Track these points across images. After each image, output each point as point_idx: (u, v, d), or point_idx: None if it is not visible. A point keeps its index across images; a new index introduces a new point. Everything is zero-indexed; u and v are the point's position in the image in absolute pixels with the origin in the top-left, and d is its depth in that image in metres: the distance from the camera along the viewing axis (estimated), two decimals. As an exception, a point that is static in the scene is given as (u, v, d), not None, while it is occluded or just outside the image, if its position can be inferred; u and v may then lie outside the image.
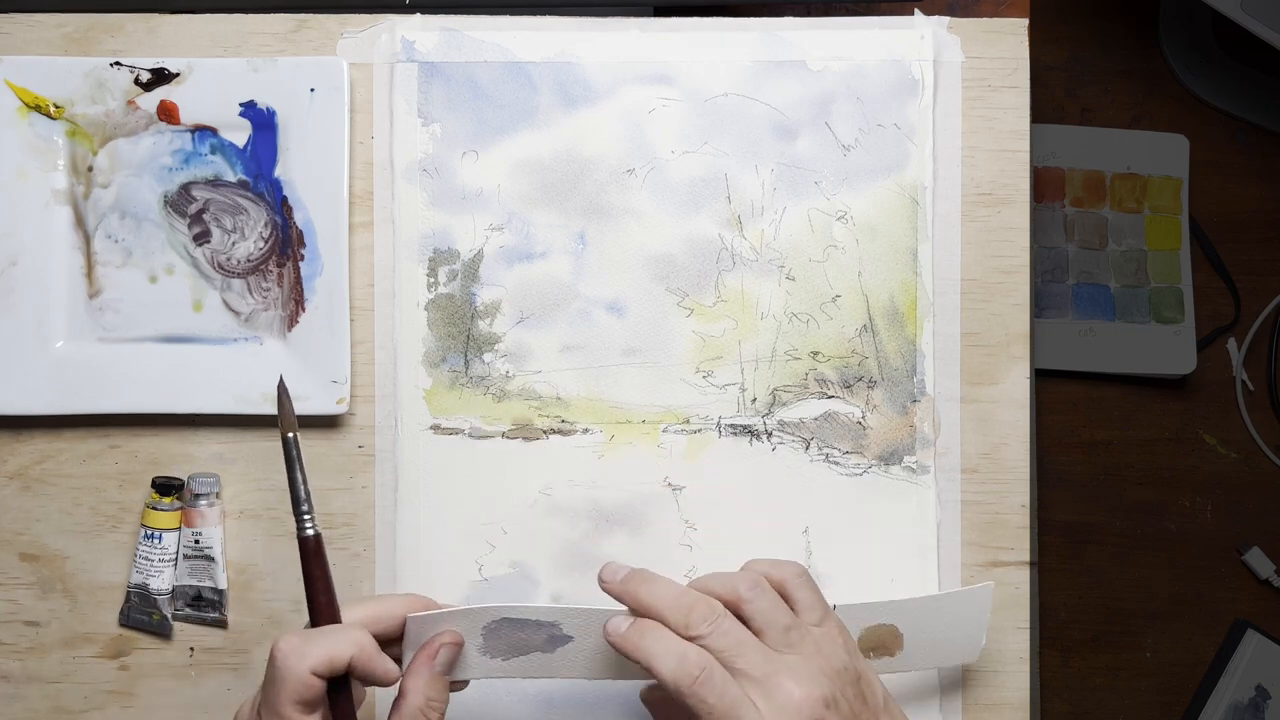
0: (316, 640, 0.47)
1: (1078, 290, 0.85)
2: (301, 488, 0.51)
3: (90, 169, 0.61)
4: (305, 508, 0.51)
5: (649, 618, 0.50)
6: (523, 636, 0.52)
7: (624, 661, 0.51)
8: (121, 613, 0.61)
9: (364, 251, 0.61)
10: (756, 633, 0.49)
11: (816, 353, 0.61)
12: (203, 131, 0.60)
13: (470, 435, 0.61)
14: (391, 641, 0.51)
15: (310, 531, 0.51)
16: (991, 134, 0.62)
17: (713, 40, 0.61)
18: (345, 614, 0.50)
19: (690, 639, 0.48)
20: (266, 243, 0.61)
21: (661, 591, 0.50)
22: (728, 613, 0.49)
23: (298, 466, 0.51)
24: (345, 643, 0.48)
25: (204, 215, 0.61)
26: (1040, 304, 0.85)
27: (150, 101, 0.60)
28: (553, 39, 0.61)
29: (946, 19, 0.62)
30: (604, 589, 0.52)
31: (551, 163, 0.61)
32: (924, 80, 0.61)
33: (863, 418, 0.61)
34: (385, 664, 0.49)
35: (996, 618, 0.60)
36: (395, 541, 0.61)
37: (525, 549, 0.61)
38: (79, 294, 0.61)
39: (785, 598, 0.51)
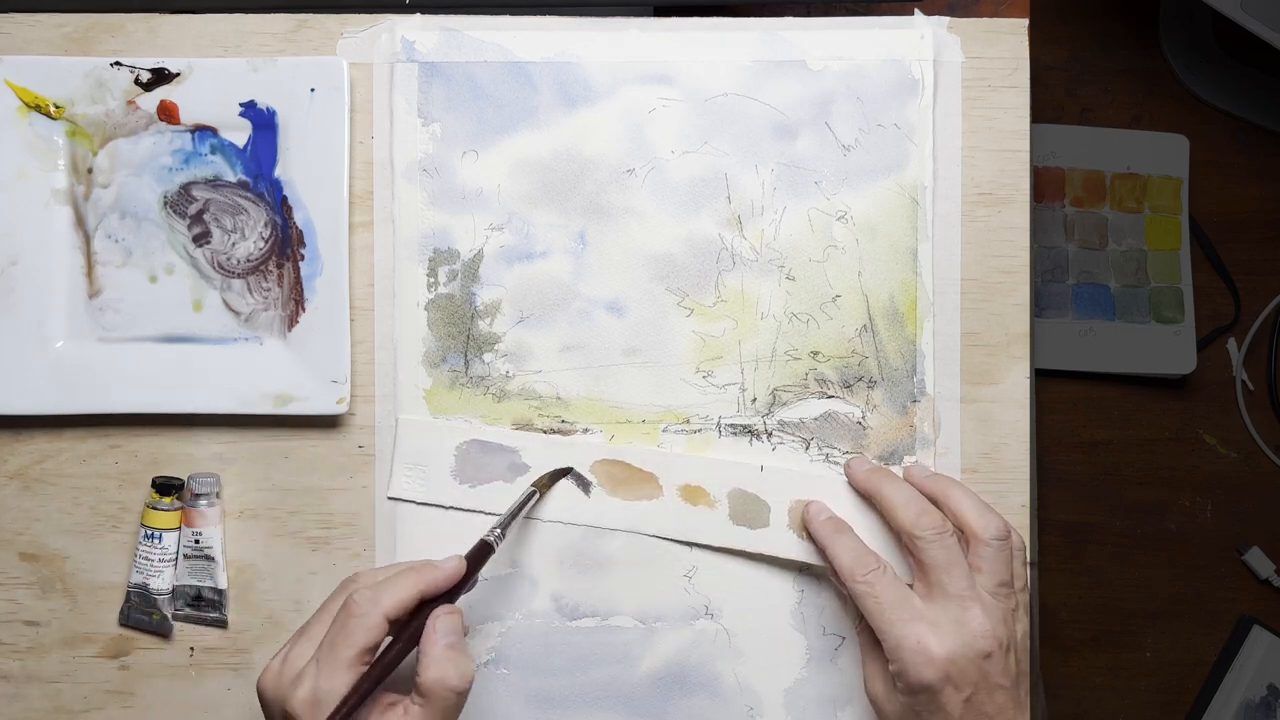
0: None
1: (1078, 290, 0.85)
2: (513, 517, 0.57)
3: (90, 170, 0.61)
4: (501, 530, 0.56)
5: (883, 511, 0.57)
6: (487, 461, 0.60)
7: (562, 508, 0.60)
8: (121, 613, 0.61)
9: (364, 251, 0.61)
10: (973, 568, 0.54)
11: (816, 353, 0.61)
12: (203, 131, 0.60)
13: (470, 435, 0.61)
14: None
15: (491, 539, 0.55)
16: (991, 134, 0.62)
17: (713, 40, 0.61)
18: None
19: (911, 537, 0.55)
20: (266, 243, 0.61)
21: (899, 492, 0.57)
22: (953, 532, 0.55)
23: (523, 509, 0.57)
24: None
25: (204, 215, 0.61)
26: (1040, 304, 0.85)
27: (150, 101, 0.60)
28: (553, 39, 0.61)
29: (946, 19, 0.62)
30: (849, 475, 0.60)
31: (551, 163, 0.61)
32: (924, 80, 0.61)
33: (863, 418, 0.61)
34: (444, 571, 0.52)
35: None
36: (395, 541, 0.61)
37: (525, 549, 0.61)
38: (79, 294, 0.61)
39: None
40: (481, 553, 0.54)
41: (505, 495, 0.60)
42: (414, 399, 0.61)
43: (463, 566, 0.52)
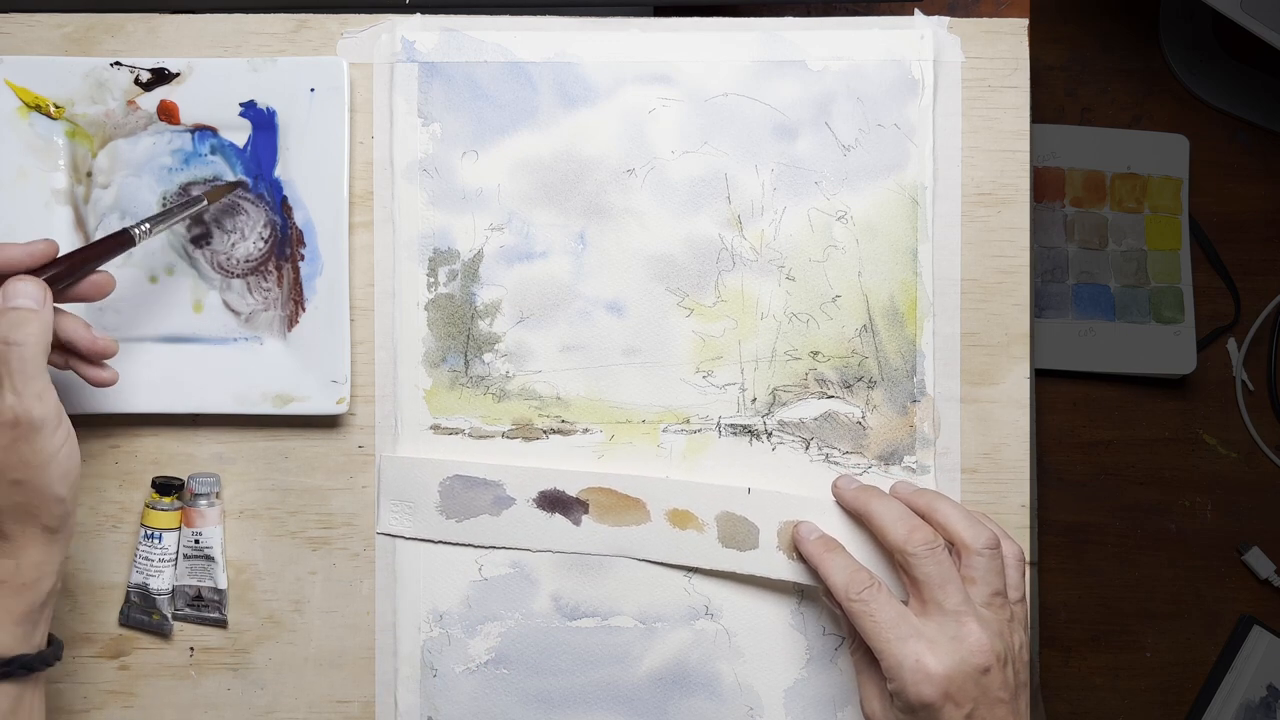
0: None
1: (1078, 290, 0.85)
2: (170, 218, 0.56)
3: (90, 173, 0.60)
4: (148, 225, 0.55)
5: (873, 528, 0.57)
6: (472, 496, 0.60)
7: (550, 538, 0.60)
8: (121, 613, 0.61)
9: (364, 251, 0.61)
10: (966, 580, 0.54)
11: (816, 353, 0.61)
12: (203, 131, 0.60)
13: (470, 435, 0.61)
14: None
15: (135, 232, 0.54)
16: (991, 134, 0.62)
17: (713, 40, 0.61)
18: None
19: (903, 554, 0.54)
20: (266, 243, 0.61)
21: (888, 509, 0.56)
22: (944, 547, 0.55)
23: (185, 212, 0.57)
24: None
25: (204, 216, 0.61)
26: (1040, 304, 0.85)
27: (150, 101, 0.60)
28: (553, 39, 0.61)
29: (946, 19, 0.62)
30: (836, 495, 0.60)
31: (551, 163, 0.61)
32: (924, 80, 0.61)
33: (863, 418, 0.61)
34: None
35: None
36: (395, 541, 0.61)
37: (525, 550, 0.61)
38: (79, 294, 0.61)
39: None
40: (118, 240, 0.54)
41: (492, 528, 0.60)
42: (414, 399, 0.61)
43: (50, 247, 0.52)
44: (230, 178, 0.60)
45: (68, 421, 0.50)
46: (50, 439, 0.49)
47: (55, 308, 0.52)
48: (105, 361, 0.55)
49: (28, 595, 0.50)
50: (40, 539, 0.50)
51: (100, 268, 0.54)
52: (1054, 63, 0.87)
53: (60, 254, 0.52)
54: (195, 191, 0.60)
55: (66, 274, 0.52)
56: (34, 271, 0.51)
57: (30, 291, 0.50)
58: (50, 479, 0.49)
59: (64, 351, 0.55)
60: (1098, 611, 0.86)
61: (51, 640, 0.52)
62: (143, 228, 0.55)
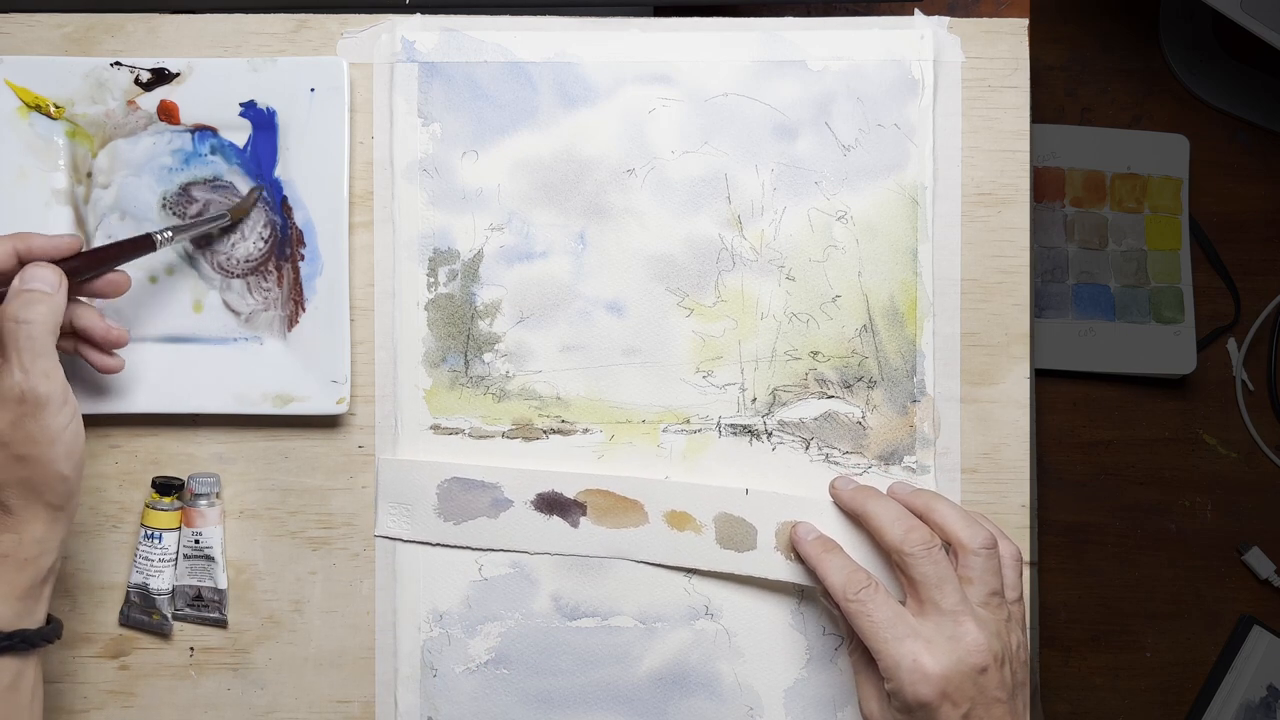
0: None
1: (1078, 290, 0.85)
2: (193, 229, 0.58)
3: (90, 174, 0.60)
4: (170, 233, 0.56)
5: (870, 529, 0.57)
6: (470, 499, 0.60)
7: (549, 540, 0.60)
8: (121, 613, 0.61)
9: (364, 251, 0.61)
10: (963, 580, 0.54)
11: (816, 353, 0.61)
12: (203, 131, 0.60)
13: (470, 435, 0.61)
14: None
15: (157, 238, 0.56)
16: (991, 134, 0.62)
17: (713, 40, 0.61)
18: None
19: (900, 554, 0.55)
20: (266, 243, 0.61)
21: (885, 509, 0.57)
22: (941, 546, 0.55)
23: (207, 226, 0.59)
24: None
25: (204, 216, 0.61)
26: (1040, 304, 0.85)
27: (150, 101, 0.60)
28: (553, 39, 0.61)
29: (946, 19, 0.62)
30: (833, 495, 0.60)
31: (551, 163, 0.61)
32: (924, 80, 0.61)
33: (863, 418, 0.61)
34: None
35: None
36: (395, 541, 0.61)
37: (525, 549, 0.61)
38: (79, 294, 0.61)
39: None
40: (139, 243, 0.55)
41: (490, 530, 0.60)
42: (414, 399, 0.61)
43: (74, 242, 0.53)
44: (230, 178, 0.60)
45: (74, 401, 0.51)
46: (56, 416, 0.50)
47: (74, 300, 0.53)
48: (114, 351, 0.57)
49: (29, 570, 0.51)
50: (44, 515, 0.51)
51: (117, 268, 0.55)
52: (1054, 63, 0.87)
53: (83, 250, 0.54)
54: (197, 194, 0.60)
55: (85, 268, 0.54)
56: (55, 262, 0.52)
57: (45, 276, 0.51)
58: (55, 456, 0.50)
59: (75, 339, 0.56)
60: (1098, 611, 0.86)
61: (50, 620, 0.53)
62: (165, 235, 0.56)
